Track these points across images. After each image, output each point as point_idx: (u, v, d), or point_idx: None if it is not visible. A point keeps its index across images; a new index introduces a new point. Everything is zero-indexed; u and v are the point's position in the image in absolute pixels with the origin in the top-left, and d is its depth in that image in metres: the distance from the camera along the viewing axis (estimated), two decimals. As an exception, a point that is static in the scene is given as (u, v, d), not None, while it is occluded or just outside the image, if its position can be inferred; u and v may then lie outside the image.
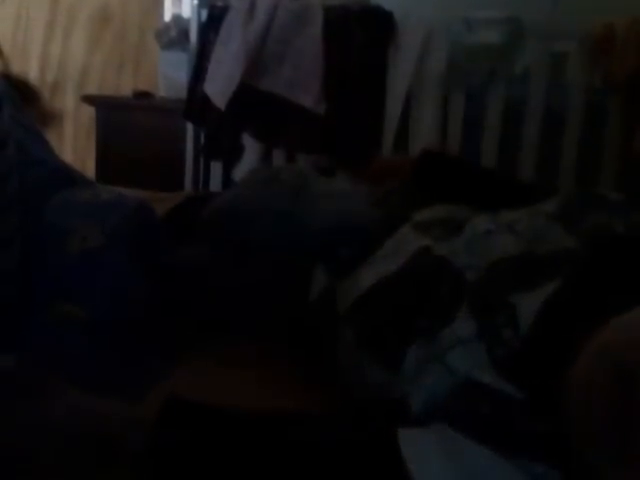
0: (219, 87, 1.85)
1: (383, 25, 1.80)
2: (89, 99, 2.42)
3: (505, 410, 0.57)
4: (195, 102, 1.95)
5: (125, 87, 2.56)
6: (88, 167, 2.38)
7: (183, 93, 2.00)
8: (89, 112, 2.47)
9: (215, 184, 2.05)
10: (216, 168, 2.05)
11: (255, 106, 1.87)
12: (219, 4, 1.94)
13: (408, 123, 1.82)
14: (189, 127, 2.06)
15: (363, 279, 0.73)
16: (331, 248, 0.82)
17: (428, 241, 0.72)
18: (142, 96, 2.32)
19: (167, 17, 2.45)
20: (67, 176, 0.85)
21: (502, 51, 1.69)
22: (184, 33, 2.12)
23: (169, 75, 2.24)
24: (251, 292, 0.85)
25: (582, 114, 1.70)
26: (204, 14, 1.99)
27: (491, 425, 0.57)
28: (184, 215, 1.00)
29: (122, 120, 2.28)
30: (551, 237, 0.65)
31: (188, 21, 2.13)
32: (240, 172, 1.94)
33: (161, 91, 2.33)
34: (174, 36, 2.18)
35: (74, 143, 2.69)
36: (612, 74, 0.97)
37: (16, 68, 2.37)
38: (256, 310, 0.84)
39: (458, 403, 0.59)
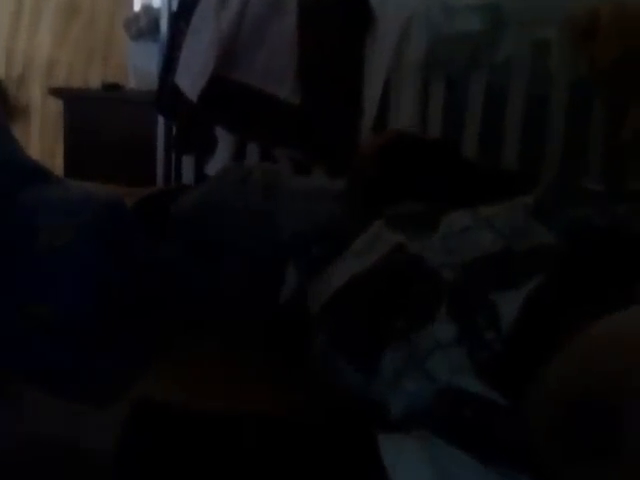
0: (191, 78, 1.81)
1: (359, 13, 1.77)
2: (57, 92, 2.38)
3: (488, 417, 0.55)
4: (166, 94, 1.91)
5: (94, 79, 2.52)
6: (57, 162, 2.33)
7: (154, 85, 1.96)
8: (57, 105, 2.41)
9: (187, 178, 2.01)
10: (188, 162, 2.01)
11: (228, 98, 1.83)
12: (190, -8, 1.89)
13: (387, 113, 1.79)
14: (160, 120, 2.02)
15: (335, 278, 0.71)
16: (303, 247, 0.80)
17: (402, 238, 0.69)
18: (112, 88, 2.28)
19: (137, 7, 2.41)
20: (36, 173, 0.83)
21: (483, 38, 1.66)
22: (154, 23, 2.09)
23: (139, 66, 2.21)
24: (222, 292, 0.84)
25: (566, 102, 1.68)
26: (175, 3, 1.94)
27: (474, 432, 0.55)
28: (153, 209, 0.97)
29: (91, 113, 2.24)
30: (530, 233, 0.63)
31: (158, 11, 2.08)
32: (213, 166, 1.90)
33: (131, 83, 2.30)
34: (144, 26, 2.15)
35: (41, 137, 2.64)
36: (596, 61, 0.96)
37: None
38: (228, 310, 0.82)
39: (440, 409, 0.57)
